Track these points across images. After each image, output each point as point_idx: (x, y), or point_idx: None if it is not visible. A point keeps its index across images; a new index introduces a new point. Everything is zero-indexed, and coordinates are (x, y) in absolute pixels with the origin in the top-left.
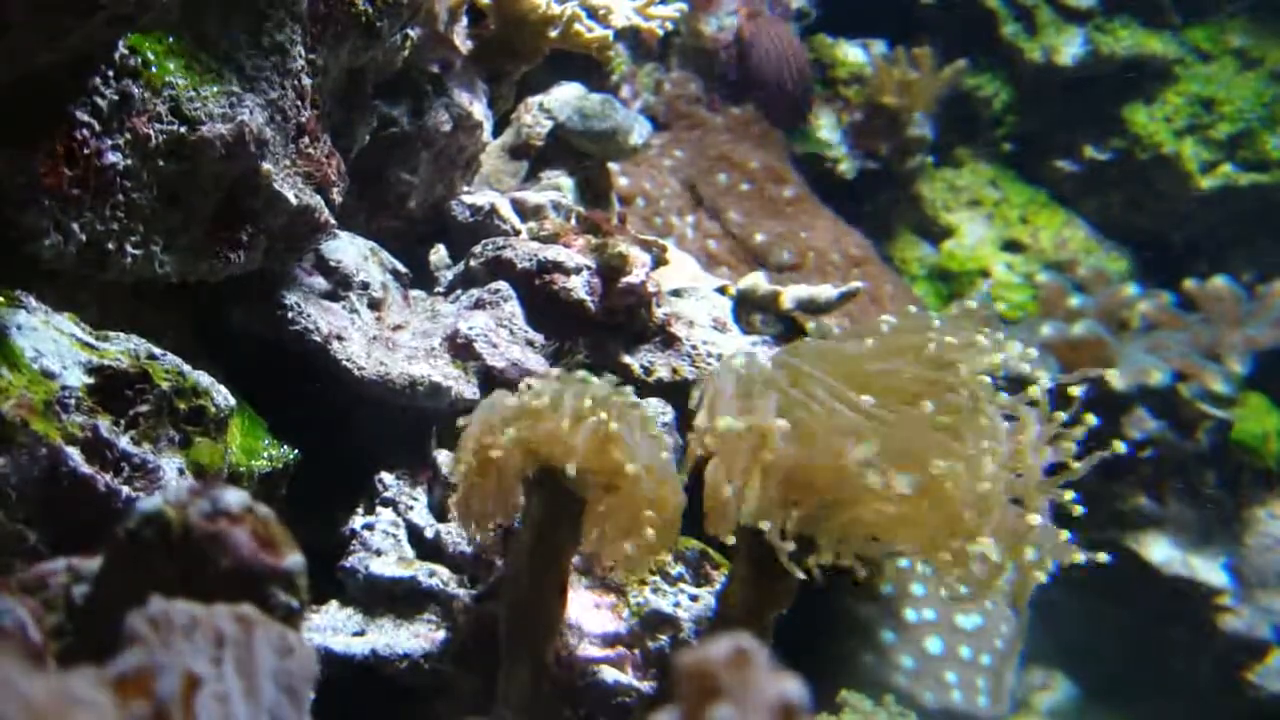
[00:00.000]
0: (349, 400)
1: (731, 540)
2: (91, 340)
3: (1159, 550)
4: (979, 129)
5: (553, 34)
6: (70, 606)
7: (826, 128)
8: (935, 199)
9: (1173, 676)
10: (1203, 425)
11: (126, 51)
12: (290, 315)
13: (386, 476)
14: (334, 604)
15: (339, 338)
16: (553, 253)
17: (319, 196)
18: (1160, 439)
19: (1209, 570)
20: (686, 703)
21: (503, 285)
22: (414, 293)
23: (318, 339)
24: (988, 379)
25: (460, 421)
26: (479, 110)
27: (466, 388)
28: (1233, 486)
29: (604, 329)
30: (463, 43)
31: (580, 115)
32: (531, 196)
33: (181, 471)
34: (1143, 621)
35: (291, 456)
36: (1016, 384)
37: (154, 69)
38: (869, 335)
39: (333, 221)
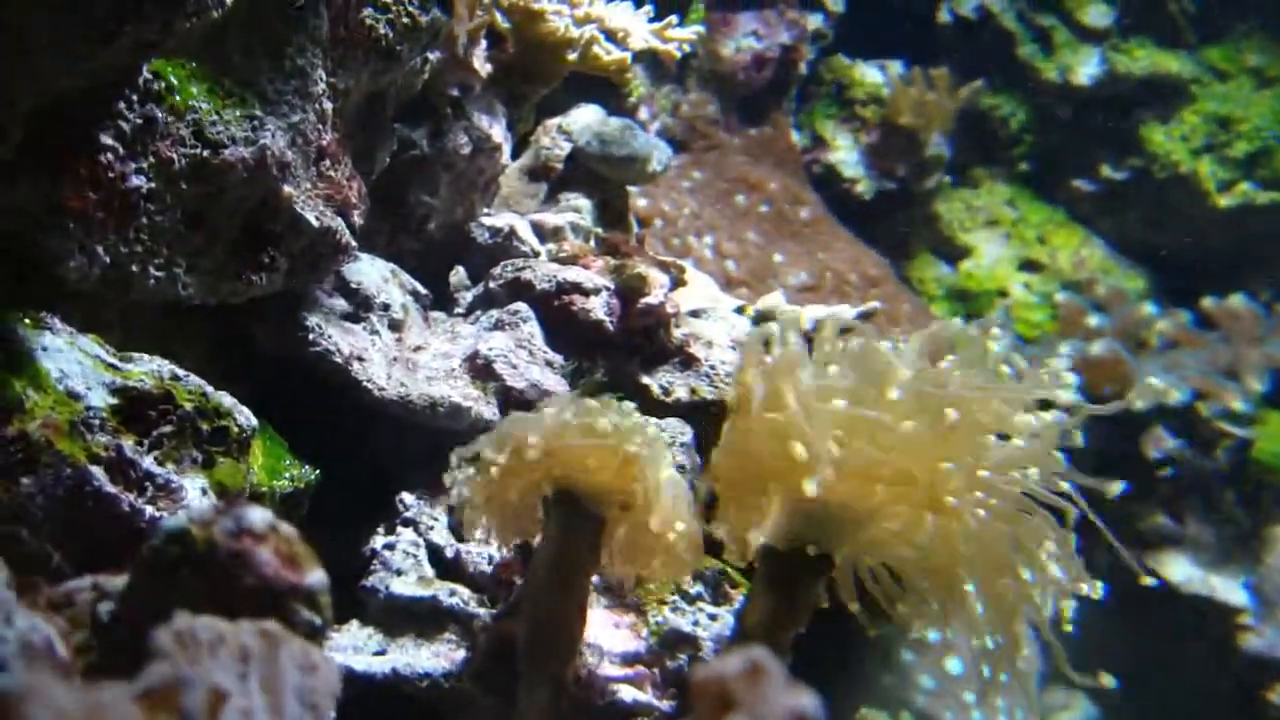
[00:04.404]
0: (369, 421)
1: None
2: (115, 361)
3: (1179, 569)
4: (996, 149)
5: (571, 57)
6: (96, 623)
7: (844, 148)
8: (953, 219)
9: (1193, 696)
10: (1222, 444)
11: (150, 76)
12: (311, 336)
13: (407, 496)
14: (355, 623)
15: (359, 359)
16: (572, 274)
17: (340, 219)
18: (1179, 458)
19: (1229, 589)
20: (702, 716)
21: (522, 306)
22: (434, 314)
23: (338, 360)
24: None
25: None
26: (498, 133)
27: (486, 408)
28: (1252, 505)
29: (623, 350)
30: (482, 66)
31: (599, 141)
32: (550, 218)
33: (204, 491)
34: (1162, 641)
35: (312, 476)
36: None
37: (177, 93)
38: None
39: (354, 243)
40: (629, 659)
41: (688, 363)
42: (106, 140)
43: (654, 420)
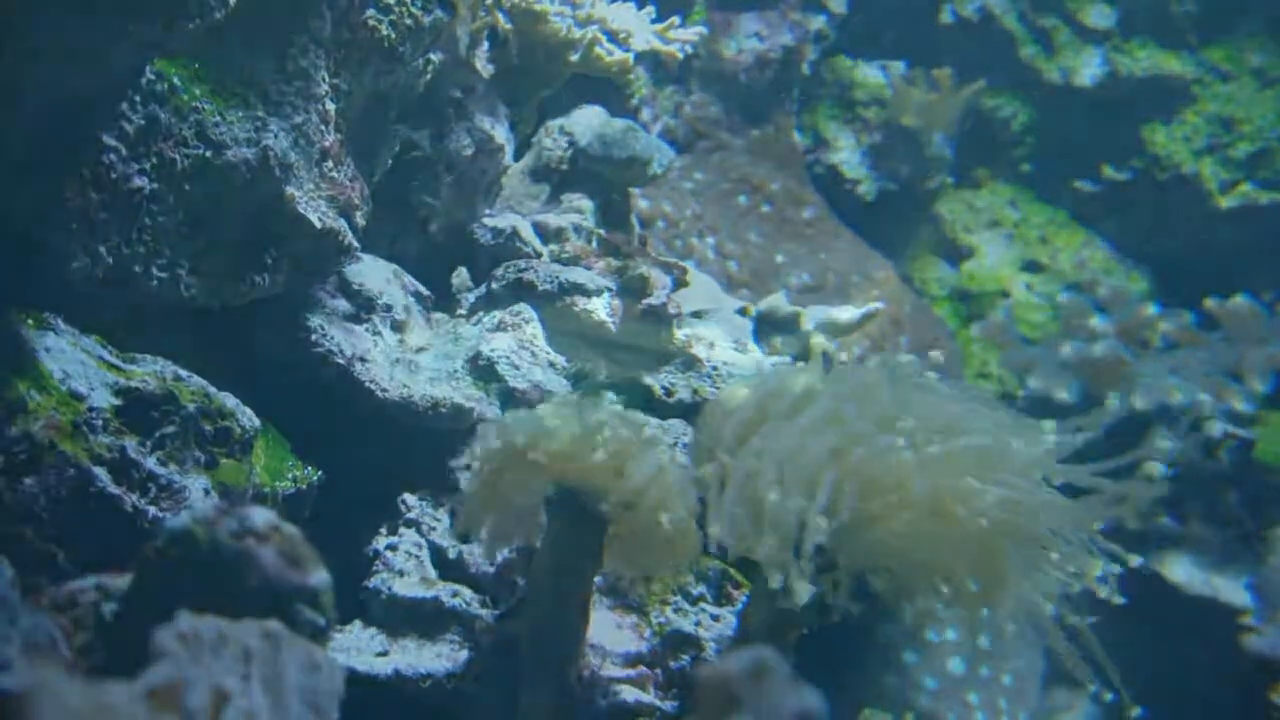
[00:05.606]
0: (372, 422)
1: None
2: (119, 362)
3: (1181, 570)
4: (998, 149)
5: (573, 58)
6: (100, 623)
7: (846, 149)
8: (955, 219)
9: (1195, 697)
10: (1224, 444)
11: (153, 76)
12: (314, 337)
13: (409, 497)
14: (357, 624)
15: (362, 360)
16: (574, 275)
17: (343, 220)
18: (1181, 458)
19: (1231, 590)
20: (706, 716)
21: (524, 307)
22: (436, 315)
23: (341, 361)
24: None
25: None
26: (500, 134)
27: (488, 409)
28: (1255, 506)
29: (625, 350)
30: (484, 67)
31: (601, 142)
32: (553, 219)
33: (207, 492)
34: (1164, 642)
35: (315, 477)
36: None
37: (180, 94)
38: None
39: (356, 244)
40: (631, 659)
41: (690, 363)
42: (109, 141)
43: (655, 420)
